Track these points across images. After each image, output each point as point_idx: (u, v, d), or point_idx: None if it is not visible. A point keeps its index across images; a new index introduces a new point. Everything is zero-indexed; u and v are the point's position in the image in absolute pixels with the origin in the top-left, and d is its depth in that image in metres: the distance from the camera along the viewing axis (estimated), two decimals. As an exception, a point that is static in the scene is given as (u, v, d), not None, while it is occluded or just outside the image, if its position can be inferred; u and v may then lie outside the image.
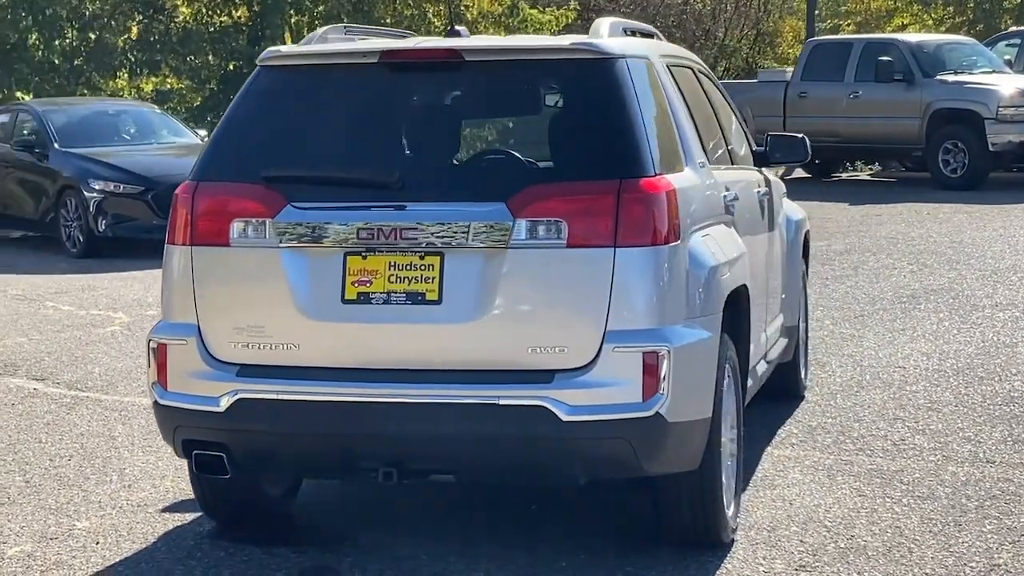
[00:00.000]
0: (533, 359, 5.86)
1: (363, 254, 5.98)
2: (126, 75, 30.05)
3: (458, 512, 7.21)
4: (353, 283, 5.98)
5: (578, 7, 33.07)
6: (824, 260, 15.65)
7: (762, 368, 7.86)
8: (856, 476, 7.64)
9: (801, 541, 6.66)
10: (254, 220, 6.09)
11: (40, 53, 27.62)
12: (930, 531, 6.77)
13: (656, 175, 5.98)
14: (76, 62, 28.04)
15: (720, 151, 7.60)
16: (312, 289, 6.01)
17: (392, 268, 5.96)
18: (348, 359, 5.99)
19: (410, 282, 5.94)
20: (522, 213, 5.85)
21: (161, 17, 28.81)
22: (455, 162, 6.15)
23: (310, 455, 6.16)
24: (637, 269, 5.88)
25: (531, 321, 5.89)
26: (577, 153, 6.07)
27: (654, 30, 7.76)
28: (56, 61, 27.82)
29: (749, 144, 8.62)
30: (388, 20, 29.79)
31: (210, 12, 30.08)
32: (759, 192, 7.99)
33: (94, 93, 27.56)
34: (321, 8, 29.97)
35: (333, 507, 7.35)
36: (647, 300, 5.89)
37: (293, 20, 30.27)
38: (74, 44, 28.12)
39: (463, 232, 5.89)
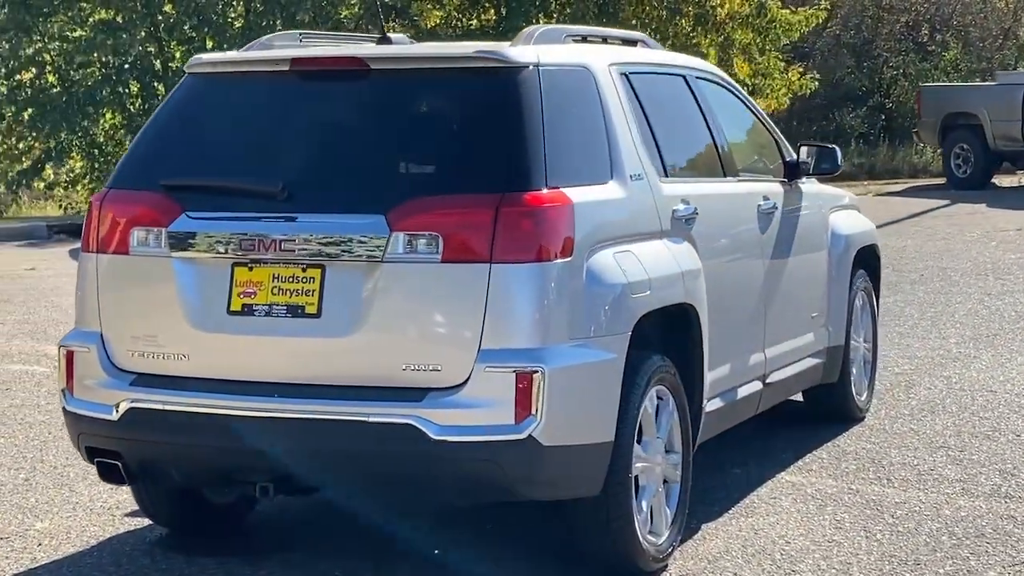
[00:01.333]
0: (407, 376, 5.70)
1: (249, 265, 5.92)
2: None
3: (406, 531, 7.06)
4: (239, 294, 5.93)
5: (828, 6, 32.25)
6: (1003, 273, 14.98)
7: (751, 390, 7.47)
8: (848, 507, 7.24)
9: (735, 575, 6.34)
10: (151, 229, 6.09)
11: (293, 58, 28.33)
12: (880, 570, 6.36)
13: (548, 189, 5.75)
14: (328, 66, 28.64)
15: (702, 163, 7.29)
16: (201, 300, 5.98)
17: (276, 280, 5.89)
18: (232, 371, 5.94)
19: (291, 295, 5.86)
20: (398, 226, 5.71)
21: (405, 22, 29.22)
22: (344, 173, 6.02)
23: (193, 467, 6.13)
24: (514, 286, 5.66)
25: (406, 338, 5.74)
26: (464, 165, 5.88)
27: (641, 37, 7.48)
28: (308, 65, 28.48)
29: (782, 155, 8.24)
30: (634, 22, 29.58)
31: (459, 15, 30.36)
32: (761, 206, 7.60)
33: (345, 96, 28.10)
34: (569, 10, 29.92)
35: (295, 519, 7.28)
36: (525, 319, 5.67)
37: (542, 22, 30.29)
38: (325, 48, 28.74)
39: (343, 245, 5.78)
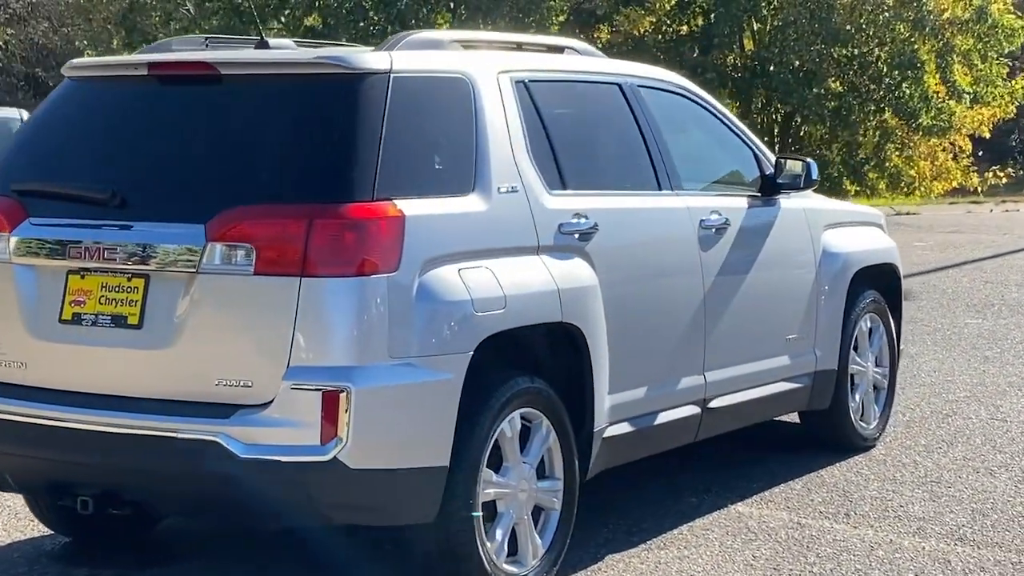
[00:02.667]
0: (219, 392, 5.51)
1: (81, 273, 5.81)
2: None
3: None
4: (71, 303, 5.82)
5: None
6: None
7: (682, 415, 7.00)
8: (779, 542, 6.78)
9: (600, 611, 5.99)
10: (0, 234, 6.02)
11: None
12: (756, 613, 5.94)
13: (377, 200, 5.50)
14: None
15: (625, 175, 6.91)
16: (37, 307, 5.89)
17: (104, 289, 5.76)
18: (61, 381, 5.83)
19: (117, 304, 5.72)
20: (214, 236, 5.52)
21: (611, 28, 29.00)
22: (178, 181, 5.84)
23: (24, 477, 6.02)
24: (326, 301, 5.42)
25: (218, 352, 5.54)
26: (288, 175, 5.64)
27: (569, 43, 7.13)
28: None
29: (761, 168, 7.79)
30: (849, 27, 28.77)
31: (669, 21, 30.01)
32: (706, 221, 7.12)
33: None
34: (781, 15, 29.28)
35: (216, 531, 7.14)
36: (336, 335, 5.42)
37: (756, 28, 29.78)
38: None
39: (165, 255, 5.62)
